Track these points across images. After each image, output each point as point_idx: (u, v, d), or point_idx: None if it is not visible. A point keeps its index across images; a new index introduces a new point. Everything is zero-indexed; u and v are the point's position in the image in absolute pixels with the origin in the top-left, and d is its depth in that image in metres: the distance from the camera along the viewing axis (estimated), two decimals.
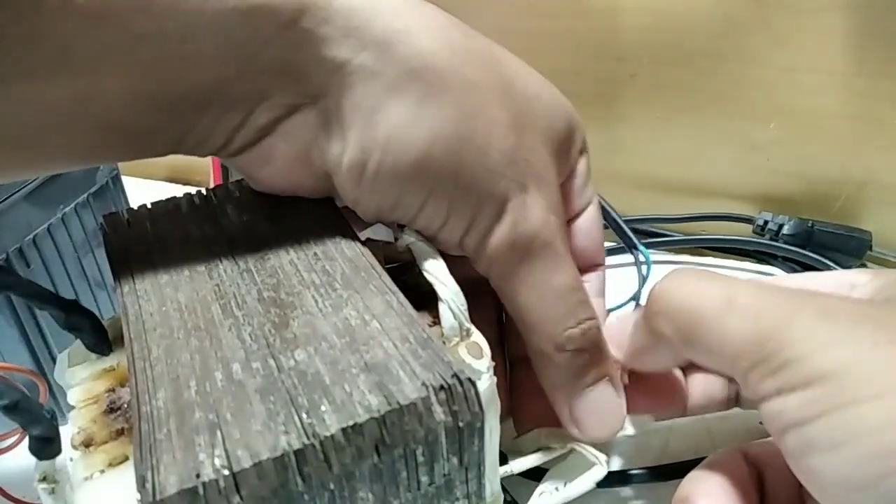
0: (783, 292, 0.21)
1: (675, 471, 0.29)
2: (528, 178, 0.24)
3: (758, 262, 0.46)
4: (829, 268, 0.41)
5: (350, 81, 0.22)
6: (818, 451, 0.19)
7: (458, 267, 0.24)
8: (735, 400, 0.28)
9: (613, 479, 0.29)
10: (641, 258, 0.41)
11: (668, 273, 0.23)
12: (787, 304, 0.20)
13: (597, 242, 0.29)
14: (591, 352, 0.25)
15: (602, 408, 0.26)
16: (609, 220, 0.40)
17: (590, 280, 0.29)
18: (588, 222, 0.29)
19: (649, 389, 0.27)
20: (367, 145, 0.22)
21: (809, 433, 0.19)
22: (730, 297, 0.21)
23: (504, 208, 0.23)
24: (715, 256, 0.47)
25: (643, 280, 0.38)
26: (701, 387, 0.28)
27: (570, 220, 0.28)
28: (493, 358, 0.24)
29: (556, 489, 0.26)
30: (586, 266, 0.29)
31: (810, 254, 0.42)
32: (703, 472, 0.24)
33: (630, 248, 0.39)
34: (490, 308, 0.29)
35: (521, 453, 0.26)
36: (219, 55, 0.21)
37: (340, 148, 0.23)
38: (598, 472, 0.25)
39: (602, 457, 0.25)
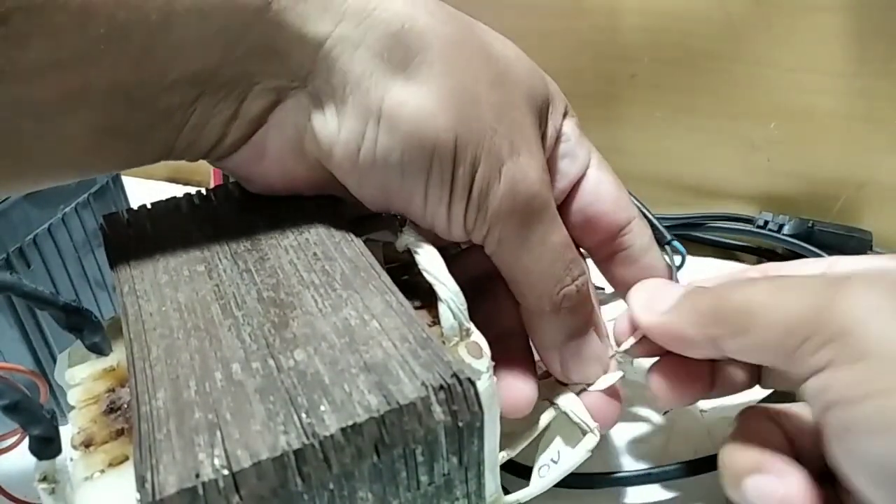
0: (829, 278, 0.21)
1: (675, 471, 0.29)
2: (518, 138, 0.24)
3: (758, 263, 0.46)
4: None
5: (335, 55, 0.22)
6: (861, 433, 0.18)
7: (472, 262, 0.24)
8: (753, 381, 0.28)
9: (613, 481, 0.29)
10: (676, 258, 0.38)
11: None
12: (841, 280, 0.20)
13: (613, 198, 0.28)
14: (582, 306, 0.26)
15: (591, 356, 0.26)
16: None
17: (631, 233, 0.28)
18: (594, 181, 0.28)
19: (680, 376, 0.27)
20: (362, 115, 0.22)
21: (854, 413, 0.19)
22: (778, 284, 0.22)
23: (501, 168, 0.23)
24: (715, 256, 0.47)
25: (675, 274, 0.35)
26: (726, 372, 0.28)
27: (574, 186, 0.28)
28: (516, 342, 0.25)
29: (553, 461, 0.26)
30: (618, 227, 0.28)
31: (812, 248, 0.42)
32: (747, 446, 0.24)
33: (661, 244, 0.35)
34: (509, 299, 0.28)
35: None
36: (201, 42, 0.21)
37: (336, 125, 0.23)
38: (591, 441, 0.25)
39: (593, 424, 0.25)
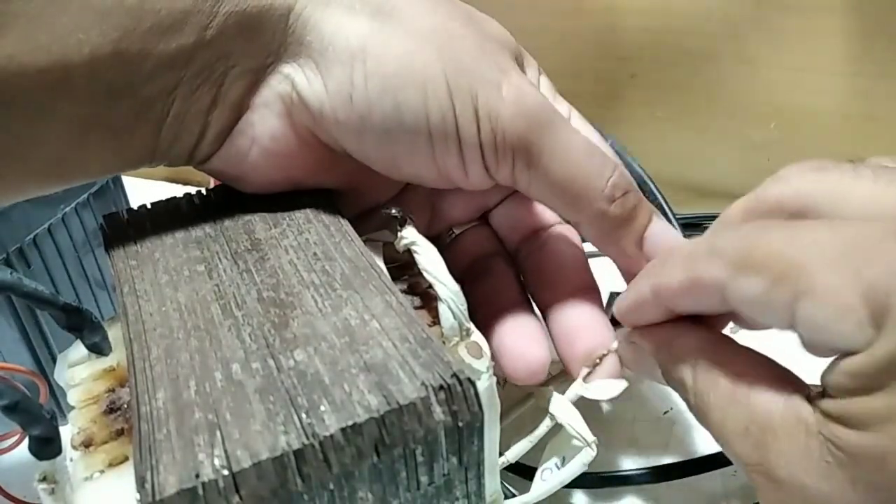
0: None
1: (675, 470, 0.29)
2: (503, 62, 0.24)
3: None
4: None
5: (305, 16, 0.23)
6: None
7: (468, 246, 0.23)
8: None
9: (614, 480, 0.29)
10: None
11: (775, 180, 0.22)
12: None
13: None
14: (632, 190, 0.25)
15: (671, 236, 0.26)
16: (655, 205, 0.32)
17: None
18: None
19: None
20: (346, 60, 0.23)
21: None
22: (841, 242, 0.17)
23: (500, 90, 0.23)
24: None
25: None
26: None
27: None
28: (521, 310, 0.25)
29: (557, 466, 0.26)
30: None
31: None
32: None
33: None
34: (509, 275, 0.28)
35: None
36: (176, 23, 0.22)
37: (320, 82, 0.23)
38: (588, 455, 0.25)
39: (590, 438, 0.25)
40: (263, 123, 0.24)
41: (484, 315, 0.27)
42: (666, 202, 0.30)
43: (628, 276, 0.27)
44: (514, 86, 0.23)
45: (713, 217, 0.45)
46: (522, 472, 0.28)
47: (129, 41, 0.21)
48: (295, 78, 0.23)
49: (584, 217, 0.25)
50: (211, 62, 0.23)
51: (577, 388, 0.26)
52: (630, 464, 0.31)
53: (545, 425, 0.26)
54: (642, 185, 0.31)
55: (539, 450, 0.26)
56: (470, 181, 0.25)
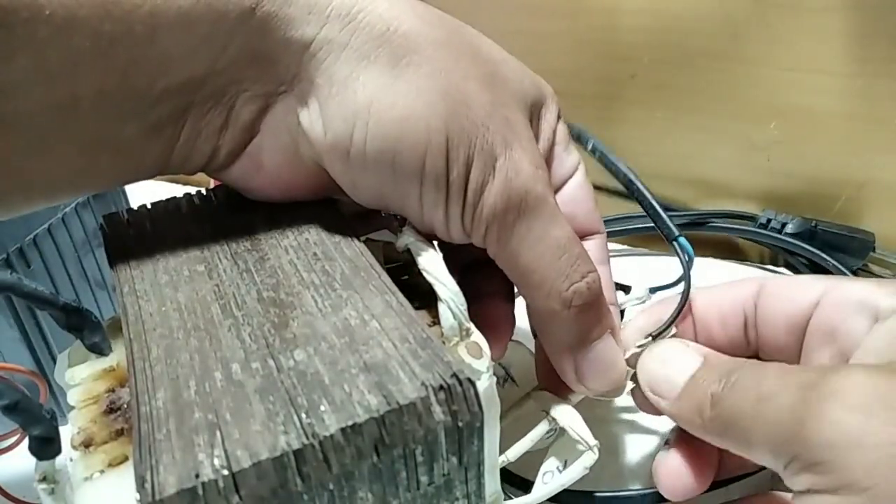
0: (810, 375, 0.21)
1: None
2: (510, 135, 0.24)
3: (761, 265, 0.46)
4: (835, 267, 0.41)
5: (320, 58, 0.22)
6: None
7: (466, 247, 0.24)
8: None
9: (616, 501, 0.29)
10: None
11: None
12: (818, 393, 0.20)
13: (588, 209, 0.28)
14: (596, 305, 0.25)
15: (608, 360, 0.25)
16: (645, 205, 0.32)
17: (589, 249, 0.27)
18: (575, 189, 0.28)
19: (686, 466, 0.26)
20: (349, 116, 0.22)
21: None
22: (760, 389, 0.21)
23: (494, 164, 0.23)
24: (715, 255, 0.47)
25: (687, 272, 0.30)
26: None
27: (556, 191, 0.27)
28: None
29: (558, 469, 0.26)
30: (581, 236, 0.28)
31: (816, 250, 0.41)
32: None
33: (668, 240, 0.31)
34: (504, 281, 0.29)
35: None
36: (187, 52, 0.21)
37: (323, 127, 0.23)
38: (590, 458, 0.25)
39: (592, 441, 0.25)
40: (271, 152, 0.24)
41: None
42: (656, 203, 0.30)
43: (544, 365, 0.27)
44: (509, 165, 0.23)
45: (715, 215, 0.45)
46: (522, 486, 0.28)
47: (139, 69, 0.21)
48: (301, 115, 0.23)
49: (535, 306, 0.25)
50: (223, 87, 0.23)
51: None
52: (628, 463, 0.31)
53: (544, 425, 0.26)
54: (629, 186, 0.31)
55: (538, 451, 0.26)
56: (450, 236, 0.24)
